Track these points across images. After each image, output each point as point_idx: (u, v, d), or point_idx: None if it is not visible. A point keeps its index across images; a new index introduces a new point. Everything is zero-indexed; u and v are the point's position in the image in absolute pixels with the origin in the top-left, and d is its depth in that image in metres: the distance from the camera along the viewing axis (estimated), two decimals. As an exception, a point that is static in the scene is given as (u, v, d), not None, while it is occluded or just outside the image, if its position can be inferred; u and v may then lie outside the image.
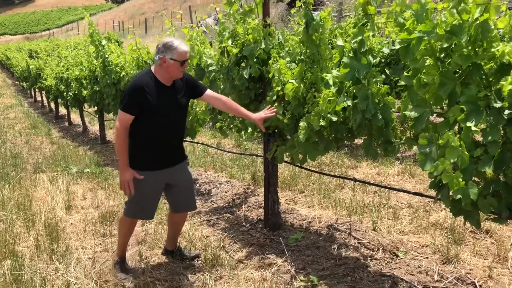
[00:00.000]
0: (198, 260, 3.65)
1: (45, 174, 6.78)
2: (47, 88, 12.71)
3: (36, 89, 17.07)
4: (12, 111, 15.27)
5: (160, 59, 3.17)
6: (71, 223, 4.68)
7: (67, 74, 10.53)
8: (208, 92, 3.51)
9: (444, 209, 4.21)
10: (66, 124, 12.62)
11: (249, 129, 4.15)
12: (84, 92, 8.93)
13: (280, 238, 3.95)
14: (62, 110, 14.13)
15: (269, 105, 3.66)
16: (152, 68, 3.26)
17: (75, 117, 13.15)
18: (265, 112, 3.55)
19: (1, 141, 10.06)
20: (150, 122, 3.18)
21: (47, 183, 6.12)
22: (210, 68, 4.74)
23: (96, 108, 9.26)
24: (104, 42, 7.71)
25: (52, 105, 14.62)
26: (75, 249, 4.02)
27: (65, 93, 10.74)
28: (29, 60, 16.77)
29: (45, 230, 4.37)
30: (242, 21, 3.96)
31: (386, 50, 5.62)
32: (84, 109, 11.24)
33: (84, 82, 9.09)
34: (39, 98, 18.02)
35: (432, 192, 2.48)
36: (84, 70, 9.17)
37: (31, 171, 7.10)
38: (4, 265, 3.70)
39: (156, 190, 3.36)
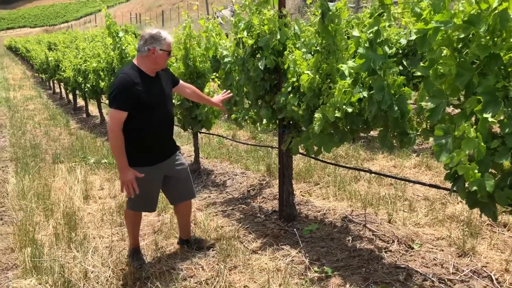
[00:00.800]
0: (213, 250, 3.69)
1: (64, 164, 6.89)
2: (66, 79, 12.86)
3: (55, 81, 17.28)
4: (32, 103, 15.51)
5: (149, 50, 3.17)
6: (89, 213, 4.76)
7: (85, 66, 10.64)
8: (181, 82, 3.71)
9: (461, 201, 4.17)
10: (84, 115, 12.77)
11: (264, 121, 4.16)
12: (102, 84, 9.02)
13: (295, 230, 3.96)
14: (80, 102, 14.29)
15: (225, 90, 4.09)
16: (135, 61, 3.25)
17: (92, 109, 13.30)
18: (222, 95, 3.95)
19: (21, 132, 10.23)
20: (143, 116, 3.16)
21: (65, 173, 6.22)
22: (226, 60, 4.75)
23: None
24: (121, 34, 7.76)
25: (70, 96, 14.80)
26: (92, 238, 4.09)
27: (83, 84, 10.85)
28: (48, 52, 16.97)
29: (64, 219, 4.45)
30: (257, 12, 3.95)
31: (403, 41, 5.55)
32: (101, 100, 11.35)
33: (101, 73, 9.17)
34: (57, 90, 18.25)
35: (448, 185, 2.46)
36: (101, 62, 9.25)
37: (50, 162, 7.22)
38: (24, 252, 3.79)
39: (157, 183, 3.40)
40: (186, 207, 3.67)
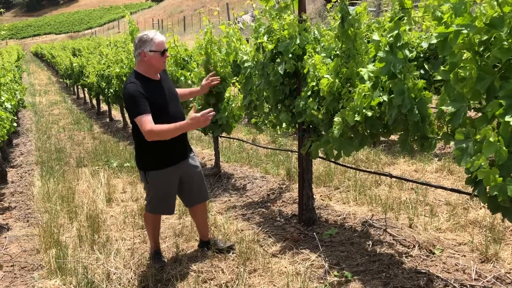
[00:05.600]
0: (233, 253, 3.71)
1: (87, 168, 7.02)
2: (89, 85, 13.11)
3: (79, 86, 17.62)
4: (57, 108, 15.85)
5: (140, 54, 3.19)
6: (112, 215, 4.85)
7: (108, 71, 10.83)
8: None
9: (483, 206, 4.11)
10: (107, 120, 12.98)
11: (284, 125, 4.17)
12: (124, 89, 9.16)
13: (314, 234, 3.96)
14: (104, 107, 14.54)
15: (210, 73, 4.03)
16: (136, 68, 3.27)
17: (116, 113, 13.52)
18: (208, 79, 3.87)
19: (46, 136, 10.47)
20: (157, 120, 3.14)
21: (89, 176, 6.35)
22: (246, 64, 4.79)
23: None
24: (143, 39, 7.87)
25: (94, 101, 15.08)
26: (115, 240, 4.16)
27: (106, 90, 11.05)
28: (72, 58, 17.33)
29: (87, 222, 4.54)
30: (277, 17, 3.98)
31: (424, 45, 5.50)
32: (124, 105, 11.52)
33: (124, 79, 9.32)
34: (81, 95, 18.60)
35: (471, 189, 2.43)
36: (124, 67, 9.40)
37: (74, 165, 7.37)
38: (49, 253, 3.88)
39: (174, 185, 3.43)
40: (201, 209, 3.71)
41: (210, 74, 4.01)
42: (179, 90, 3.79)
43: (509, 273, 3.11)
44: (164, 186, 3.33)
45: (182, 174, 3.42)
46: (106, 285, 3.34)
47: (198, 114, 3.01)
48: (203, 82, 3.90)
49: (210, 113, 3.02)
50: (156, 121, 3.12)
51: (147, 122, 3.05)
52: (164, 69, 3.36)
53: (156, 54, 3.19)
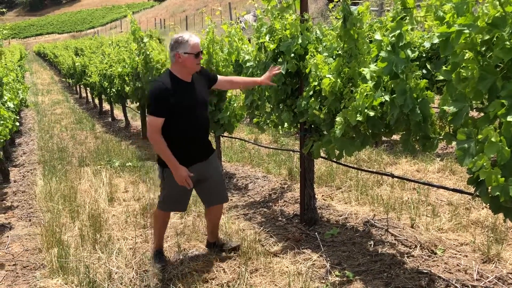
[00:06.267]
0: (234, 253, 3.71)
1: (89, 167, 7.04)
2: (92, 84, 13.14)
3: (81, 86, 17.66)
4: (59, 107, 15.89)
5: (175, 55, 3.23)
6: (113, 215, 4.85)
7: (110, 71, 10.85)
8: (220, 77, 3.71)
9: (485, 207, 4.10)
10: (110, 119, 13.01)
11: (286, 124, 4.17)
12: (127, 89, 9.19)
13: (316, 233, 3.96)
14: (106, 106, 14.58)
15: (273, 66, 3.87)
16: (171, 68, 3.33)
17: (118, 113, 13.54)
18: (271, 71, 3.76)
19: (49, 136, 10.49)
20: (179, 121, 3.24)
21: (91, 176, 6.36)
22: (248, 64, 4.79)
23: (138, 104, 9.51)
24: (146, 39, 7.89)
25: (96, 101, 15.10)
26: (117, 239, 4.17)
27: (108, 89, 11.07)
28: (74, 58, 17.37)
29: (89, 221, 4.55)
30: (279, 17, 3.98)
31: (427, 44, 5.49)
32: (126, 105, 11.55)
33: (126, 78, 9.35)
34: (84, 95, 18.64)
35: (472, 189, 2.43)
36: (126, 67, 9.42)
37: (76, 165, 7.38)
38: (51, 253, 3.89)
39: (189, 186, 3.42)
40: (218, 210, 3.70)
41: (273, 66, 3.85)
42: (242, 78, 3.89)
43: (511, 273, 3.11)
44: (179, 185, 3.33)
45: (200, 174, 3.41)
46: (108, 285, 3.34)
47: (185, 173, 3.21)
48: (266, 74, 3.81)
49: (188, 182, 3.23)
50: (180, 122, 3.23)
51: (155, 125, 3.17)
52: (197, 70, 3.37)
53: (190, 56, 3.22)
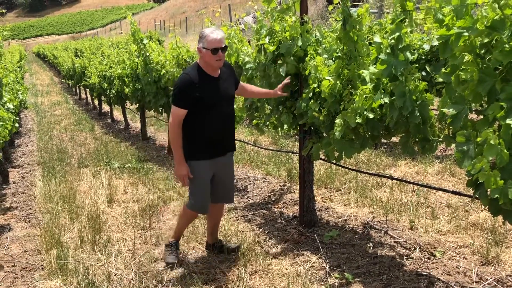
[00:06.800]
0: (233, 254, 3.71)
1: (89, 168, 7.03)
2: (91, 85, 13.14)
3: (81, 87, 17.66)
4: (59, 108, 15.88)
5: (198, 49, 3.29)
6: (113, 216, 4.85)
7: (110, 72, 10.85)
8: (241, 83, 3.76)
9: (485, 209, 4.10)
10: (109, 120, 13.01)
11: (285, 126, 4.18)
12: (126, 90, 9.19)
13: (315, 235, 3.96)
14: (105, 107, 14.57)
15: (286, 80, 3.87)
16: (198, 61, 3.37)
17: (117, 114, 13.54)
18: (282, 83, 3.83)
19: (48, 137, 10.49)
20: (203, 114, 3.28)
21: (90, 177, 6.35)
22: (247, 66, 4.79)
23: (137, 105, 9.52)
24: (145, 40, 7.90)
25: (96, 102, 15.11)
26: (116, 241, 4.16)
27: (108, 90, 11.07)
28: (74, 59, 17.37)
29: (88, 222, 4.55)
30: (279, 19, 3.98)
31: (426, 47, 5.49)
32: (126, 106, 11.55)
33: (126, 80, 9.35)
34: (83, 96, 18.64)
35: (472, 191, 2.43)
36: (126, 68, 9.43)
37: (75, 166, 7.38)
38: (50, 254, 3.88)
39: (208, 179, 3.45)
40: (219, 209, 3.71)
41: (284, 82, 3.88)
42: (254, 88, 3.91)
43: (510, 276, 3.11)
44: (204, 177, 3.38)
45: (216, 170, 3.45)
46: (107, 286, 3.34)
47: (185, 172, 3.33)
48: (279, 86, 3.86)
49: (185, 181, 3.34)
50: (204, 116, 3.29)
51: (176, 115, 3.25)
52: (224, 66, 3.41)
53: (208, 52, 3.22)
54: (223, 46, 3.26)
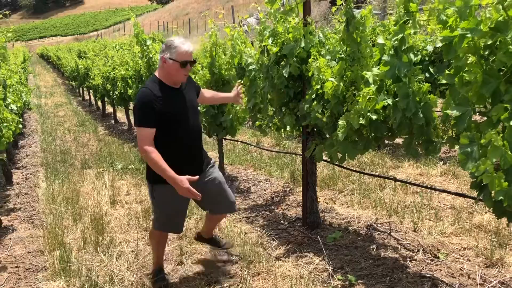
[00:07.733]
0: (236, 256, 3.70)
1: (92, 170, 7.05)
2: (95, 87, 13.16)
3: (84, 88, 17.69)
4: (62, 109, 15.91)
5: (161, 59, 2.96)
6: (116, 217, 4.85)
7: (114, 73, 10.87)
8: (202, 89, 3.53)
9: (489, 211, 4.08)
10: (112, 122, 13.02)
11: (288, 127, 4.17)
12: (130, 91, 9.20)
13: (318, 237, 3.95)
14: (109, 109, 14.59)
15: (239, 85, 3.82)
16: (156, 73, 3.05)
17: (120, 115, 13.56)
18: (237, 89, 3.72)
19: (52, 138, 10.51)
20: (167, 130, 2.94)
21: (93, 178, 6.36)
22: (250, 67, 4.80)
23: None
24: (149, 42, 7.90)
25: (99, 103, 15.13)
26: (119, 242, 4.17)
27: (111, 92, 11.09)
28: (78, 60, 17.40)
29: (91, 223, 4.55)
30: (282, 20, 3.98)
31: (430, 48, 5.48)
32: (129, 107, 11.56)
33: (129, 81, 9.36)
34: (87, 97, 18.67)
35: (476, 193, 2.42)
36: (129, 69, 9.43)
37: (78, 167, 7.39)
38: (53, 255, 3.89)
39: (183, 201, 3.14)
40: (220, 217, 3.64)
41: (238, 84, 3.84)
42: (210, 92, 3.68)
43: (515, 278, 3.10)
44: (172, 202, 3.05)
45: (197, 188, 2.96)
46: (110, 287, 3.34)
47: (187, 184, 2.83)
48: (234, 91, 3.72)
49: (193, 193, 2.86)
50: (171, 133, 2.96)
51: (145, 137, 2.87)
52: (182, 81, 3.09)
53: (175, 64, 2.92)
54: (193, 60, 3.01)
